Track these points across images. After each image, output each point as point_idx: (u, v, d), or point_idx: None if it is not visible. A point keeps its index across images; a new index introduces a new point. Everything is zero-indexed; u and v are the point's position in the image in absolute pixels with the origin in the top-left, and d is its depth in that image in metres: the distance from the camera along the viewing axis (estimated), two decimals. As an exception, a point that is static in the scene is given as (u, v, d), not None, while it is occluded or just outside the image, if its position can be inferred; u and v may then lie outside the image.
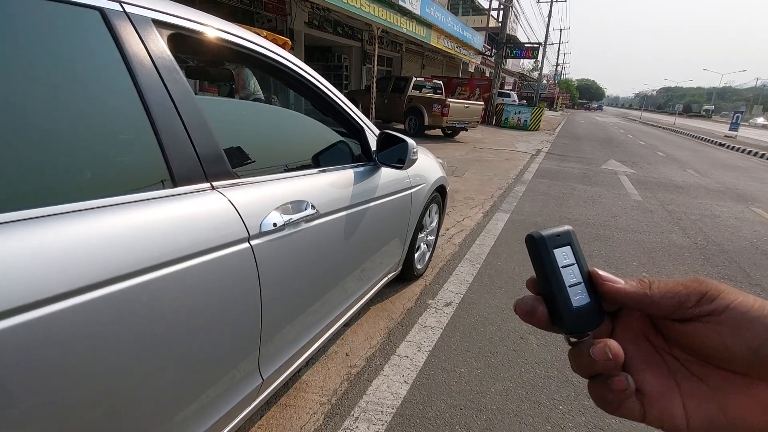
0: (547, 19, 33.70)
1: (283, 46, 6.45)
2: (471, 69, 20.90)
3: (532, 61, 37.07)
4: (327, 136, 1.73)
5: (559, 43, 49.12)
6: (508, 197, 5.20)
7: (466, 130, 11.31)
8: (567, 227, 0.30)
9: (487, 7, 27.19)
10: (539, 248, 0.28)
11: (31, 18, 0.72)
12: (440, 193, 2.67)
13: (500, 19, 20.35)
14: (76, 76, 0.79)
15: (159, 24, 0.94)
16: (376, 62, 10.14)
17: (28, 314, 0.60)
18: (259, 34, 4.75)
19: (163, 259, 0.80)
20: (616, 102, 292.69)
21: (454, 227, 3.84)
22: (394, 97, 11.11)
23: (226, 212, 0.97)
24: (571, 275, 0.28)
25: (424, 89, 11.39)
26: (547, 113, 34.76)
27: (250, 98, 6.39)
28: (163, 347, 0.83)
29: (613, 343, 0.25)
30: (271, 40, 5.30)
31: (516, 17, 27.38)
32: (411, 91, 10.83)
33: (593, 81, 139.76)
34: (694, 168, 9.71)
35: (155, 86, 0.88)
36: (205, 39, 1.08)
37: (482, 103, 12.04)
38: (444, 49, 13.66)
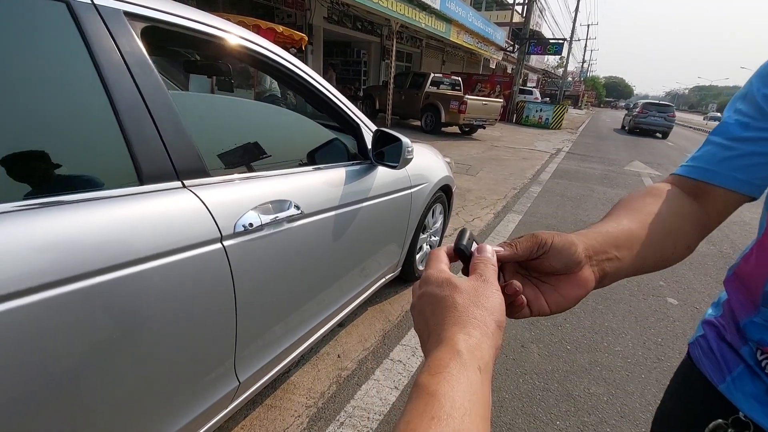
0: (573, 14, 32.72)
1: (299, 41, 6.46)
2: (492, 65, 20.49)
3: (557, 57, 36.13)
4: (322, 133, 1.69)
5: (586, 39, 47.68)
6: (522, 198, 5.06)
7: (484, 128, 11.10)
8: (464, 230, 0.42)
9: (511, 1, 26.59)
10: (458, 254, 0.40)
11: None
12: (445, 193, 2.60)
13: (524, 14, 19.86)
14: (39, 70, 0.77)
15: (131, 16, 0.91)
16: (393, 58, 10.05)
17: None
18: (276, 30, 4.75)
19: (127, 258, 0.78)
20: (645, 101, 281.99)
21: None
22: (411, 93, 11.00)
23: (197, 212, 0.94)
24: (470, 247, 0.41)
25: (441, 85, 11.23)
26: (572, 111, 33.88)
27: (266, 94, 6.43)
28: (130, 346, 0.81)
29: (515, 282, 0.38)
30: (287, 35, 5.29)
31: (541, 12, 26.69)
32: (428, 88, 10.69)
33: (621, 79, 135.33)
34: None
35: (123, 81, 0.85)
36: (185, 32, 1.05)
37: (501, 100, 11.78)
38: (464, 44, 13.43)
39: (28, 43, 0.76)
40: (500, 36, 16.55)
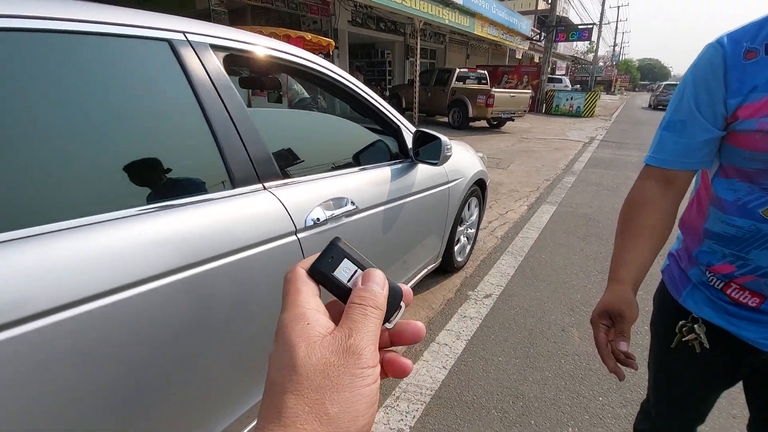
0: (602, -4, 31.43)
1: (327, 46, 6.69)
2: (518, 56, 20.13)
3: (587, 43, 34.83)
4: (366, 136, 1.84)
5: (617, 21, 45.70)
6: (555, 188, 5.05)
7: (513, 120, 10.98)
8: (334, 243, 0.30)
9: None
10: (321, 281, 0.29)
11: (121, 52, 0.89)
12: (480, 186, 2.70)
13: (550, 1, 19.34)
14: (156, 97, 0.96)
15: (215, 48, 1.09)
16: (418, 56, 10.13)
17: (131, 291, 0.76)
18: (305, 38, 4.97)
19: (228, 249, 0.95)
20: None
21: (496, 220, 3.83)
22: (437, 90, 11.04)
23: (276, 210, 1.11)
24: (347, 272, 0.30)
25: (468, 80, 11.20)
26: (604, 97, 32.63)
27: (296, 98, 6.69)
28: (233, 315, 0.99)
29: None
30: (315, 42, 5.51)
31: (567, -3, 25.85)
32: (454, 83, 10.70)
33: (657, 60, 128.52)
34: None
35: (213, 102, 1.03)
36: (254, 56, 1.22)
37: (530, 91, 11.60)
38: (489, 37, 13.30)
39: (143, 74, 0.95)
40: (525, 25, 16.24)
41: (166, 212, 0.88)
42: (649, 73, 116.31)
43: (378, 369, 0.25)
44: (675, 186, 0.77)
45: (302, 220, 1.16)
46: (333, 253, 0.30)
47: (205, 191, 1.00)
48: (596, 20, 29.26)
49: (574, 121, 13.89)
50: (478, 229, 2.94)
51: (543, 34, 18.45)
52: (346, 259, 0.30)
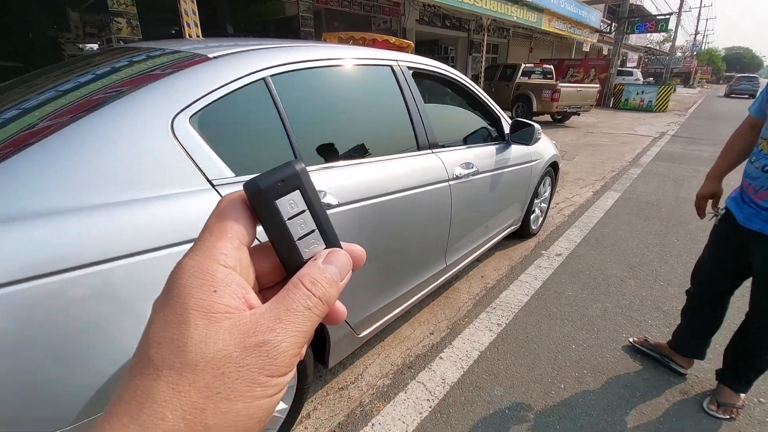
0: (683, -18, 29.20)
1: (406, 48, 7.40)
2: (586, 48, 19.57)
3: (663, 33, 32.56)
4: (476, 121, 2.52)
5: (699, 7, 41.95)
6: (620, 178, 5.39)
7: (578, 115, 11.05)
8: (294, 167, 0.24)
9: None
10: (256, 203, 0.24)
11: (376, 71, 1.66)
12: (553, 168, 3.28)
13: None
14: (385, 92, 1.72)
15: (408, 67, 1.83)
16: (484, 52, 10.55)
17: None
18: (388, 41, 5.77)
19: (406, 186, 1.68)
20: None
21: (563, 202, 4.34)
22: (501, 85, 11.37)
23: (438, 165, 1.83)
24: (301, 225, 0.25)
25: (533, 75, 11.41)
26: (681, 91, 30.41)
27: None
28: (409, 229, 1.72)
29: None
30: (397, 45, 6.31)
31: (643, -15, 24.44)
32: (519, 78, 10.98)
33: (747, 49, 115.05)
34: None
35: (412, 100, 1.77)
36: (423, 70, 1.95)
37: (597, 85, 11.55)
38: (556, 31, 13.30)
39: (381, 81, 1.70)
40: (595, 18, 15.87)
41: (385, 161, 1.63)
42: (737, 63, 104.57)
43: (289, 377, 0.21)
44: (756, 129, 1.47)
45: (452, 174, 1.88)
46: (284, 176, 0.24)
47: (404, 151, 1.74)
48: (674, 7, 27.30)
49: (644, 115, 13.50)
50: (549, 204, 3.51)
51: (613, 25, 17.82)
52: (298, 192, 0.24)
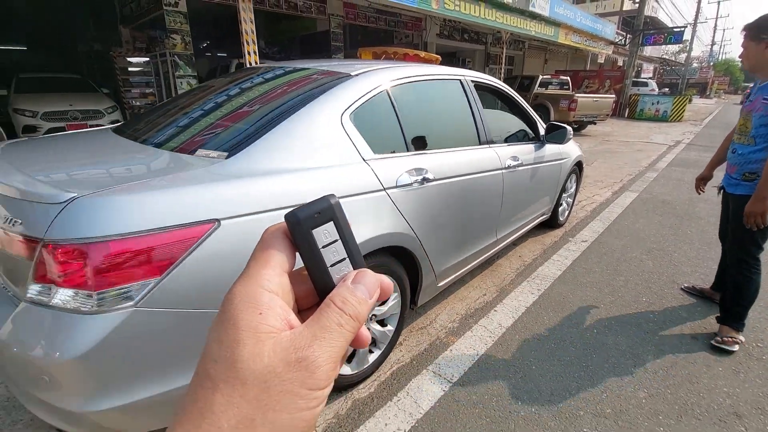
0: (698, -6, 29.51)
1: (435, 61, 7.96)
2: (601, 59, 19.97)
3: (674, 45, 32.72)
4: (515, 123, 3.01)
5: (716, 18, 42.04)
6: (637, 181, 5.80)
7: (594, 124, 11.45)
8: (328, 200, 0.28)
9: (621, -10, 25.21)
10: (295, 233, 0.27)
11: (449, 84, 2.18)
12: (578, 167, 3.75)
13: (637, 3, 18.97)
14: (457, 100, 2.23)
15: (473, 83, 2.35)
16: (504, 64, 11.07)
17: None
18: (419, 55, 6.34)
19: (480, 169, 2.18)
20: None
21: (585, 200, 4.78)
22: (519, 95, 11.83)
23: (493, 156, 2.33)
24: (334, 253, 0.28)
25: (550, 86, 11.88)
26: (697, 101, 30.46)
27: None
28: (469, 206, 2.22)
29: None
30: (427, 59, 6.88)
31: (657, -2, 24.79)
32: (537, 89, 11.46)
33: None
34: None
35: (475, 106, 2.28)
36: (481, 84, 2.47)
37: (613, 95, 11.95)
38: (572, 44, 13.78)
39: (454, 92, 2.22)
40: (610, 30, 16.32)
41: (459, 151, 2.14)
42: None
43: (329, 390, 0.24)
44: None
45: (504, 163, 2.38)
46: (320, 208, 0.28)
47: (466, 145, 2.24)
48: (690, 19, 27.55)
49: (659, 125, 13.81)
50: (574, 199, 3.97)
51: (628, 36, 18.23)
52: (332, 223, 0.28)
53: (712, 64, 49.63)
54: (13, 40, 14.37)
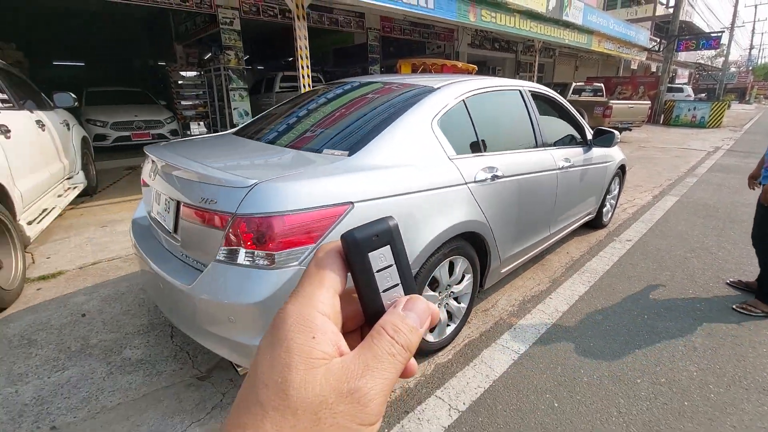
0: (737, -3, 28.61)
1: (472, 71, 8.25)
2: (634, 66, 19.70)
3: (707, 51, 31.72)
4: (565, 128, 3.25)
5: (754, 21, 40.47)
6: (677, 186, 5.86)
7: (630, 130, 11.39)
8: (387, 222, 0.28)
9: (653, -5, 24.82)
10: (351, 254, 0.26)
11: (512, 94, 2.47)
12: (621, 170, 3.93)
13: (670, 8, 18.68)
14: (518, 108, 2.52)
15: (530, 92, 2.63)
16: (536, 72, 11.22)
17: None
18: (456, 65, 6.76)
19: (538, 169, 2.45)
20: None
21: (626, 203, 4.92)
22: (552, 102, 11.94)
23: (551, 158, 2.58)
24: (387, 278, 0.27)
25: (583, 93, 11.93)
26: (736, 107, 29.39)
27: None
28: (530, 201, 2.48)
29: None
30: (464, 69, 7.31)
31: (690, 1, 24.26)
32: (570, 96, 11.53)
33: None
34: None
35: (533, 112, 2.56)
36: (537, 93, 2.74)
37: (648, 101, 11.87)
38: (605, 51, 13.76)
39: (516, 101, 2.51)
40: (643, 37, 16.16)
41: (522, 153, 2.41)
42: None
43: (377, 427, 0.23)
44: None
45: (558, 164, 2.63)
46: (379, 230, 0.27)
47: (525, 147, 2.51)
48: (727, 23, 26.75)
49: (696, 131, 13.55)
50: (617, 201, 4.14)
51: (663, 42, 17.96)
52: (389, 247, 0.27)
53: (751, 68, 47.66)
54: (73, 56, 15.67)
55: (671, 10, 17.62)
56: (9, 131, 2.87)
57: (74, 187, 4.17)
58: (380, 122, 1.79)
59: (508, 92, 2.48)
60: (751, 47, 44.23)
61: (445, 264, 1.92)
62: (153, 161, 1.80)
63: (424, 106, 1.88)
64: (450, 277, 1.99)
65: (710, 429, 1.64)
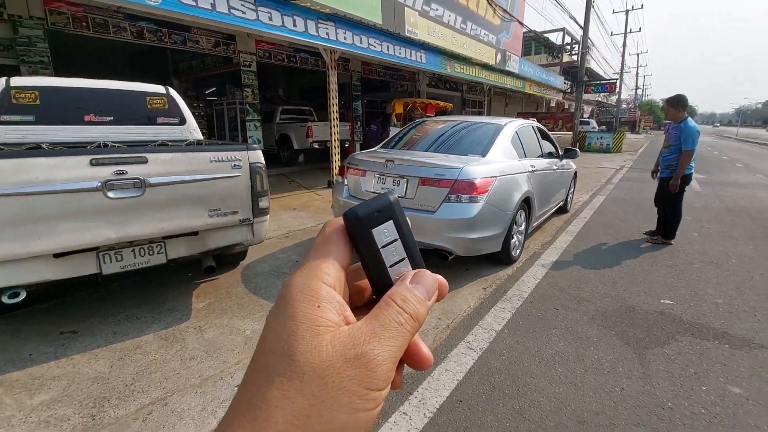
0: (622, 49, 35.64)
1: (446, 107, 10.47)
2: (552, 104, 23.90)
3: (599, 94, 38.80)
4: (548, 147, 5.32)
5: (637, 67, 49.98)
6: (602, 190, 8.38)
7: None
8: (388, 198, 0.28)
9: (558, 44, 30.30)
10: (355, 230, 0.27)
11: (529, 129, 4.47)
12: (575, 175, 6.16)
13: (574, 55, 23.30)
14: (533, 138, 4.51)
15: (537, 126, 4.65)
16: (487, 110, 13.87)
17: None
18: (438, 104, 9.27)
19: (544, 167, 4.42)
20: (712, 119, 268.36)
21: (576, 201, 7.20)
22: (499, 133, 14.69)
23: (547, 162, 4.59)
24: (393, 253, 0.28)
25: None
26: (630, 136, 35.79)
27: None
28: (549, 185, 4.43)
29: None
30: (444, 106, 9.86)
31: (588, 50, 29.92)
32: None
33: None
34: (766, 173, 11.71)
35: (539, 136, 4.57)
36: (538, 127, 4.77)
37: (570, 132, 15.12)
38: (535, 93, 17.11)
39: (533, 134, 4.50)
40: (559, 81, 20.09)
41: (539, 158, 4.37)
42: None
43: (387, 392, 0.23)
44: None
45: (552, 167, 4.65)
46: (380, 206, 0.27)
47: (538, 156, 4.48)
48: (617, 68, 33.13)
49: (605, 155, 17.20)
50: (572, 197, 6.35)
51: (572, 86, 22.31)
52: (391, 222, 0.28)
53: (638, 104, 57.81)
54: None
55: (575, 57, 22.04)
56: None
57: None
58: (488, 140, 3.64)
59: (530, 127, 4.47)
60: (636, 87, 53.98)
61: (521, 212, 3.75)
62: (364, 161, 3.45)
63: (504, 133, 3.77)
64: (521, 219, 3.82)
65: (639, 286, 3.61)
